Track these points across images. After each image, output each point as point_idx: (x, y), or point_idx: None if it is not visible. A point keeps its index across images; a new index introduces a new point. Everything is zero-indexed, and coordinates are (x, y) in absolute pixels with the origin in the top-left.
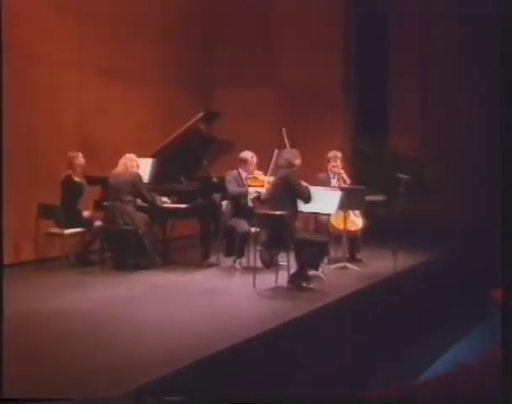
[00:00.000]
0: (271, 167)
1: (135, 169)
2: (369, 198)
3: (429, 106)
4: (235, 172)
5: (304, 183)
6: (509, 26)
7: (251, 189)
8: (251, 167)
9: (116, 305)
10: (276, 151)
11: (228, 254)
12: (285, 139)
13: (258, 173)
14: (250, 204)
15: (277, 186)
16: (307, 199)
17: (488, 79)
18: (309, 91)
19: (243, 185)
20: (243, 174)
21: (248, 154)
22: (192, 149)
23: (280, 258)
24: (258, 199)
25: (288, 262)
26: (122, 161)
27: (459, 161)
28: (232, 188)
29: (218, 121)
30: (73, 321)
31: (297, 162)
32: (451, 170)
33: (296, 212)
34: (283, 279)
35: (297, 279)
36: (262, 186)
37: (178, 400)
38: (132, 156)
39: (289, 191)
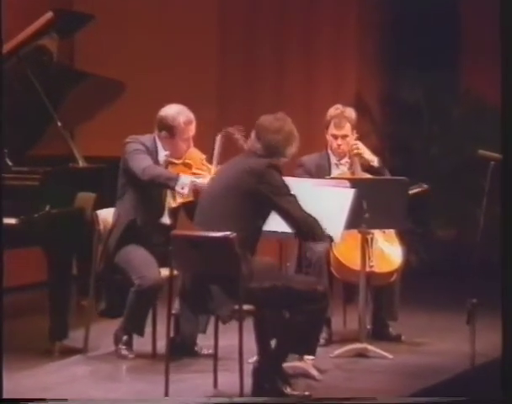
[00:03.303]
0: (216, 153)
1: None
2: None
3: None
4: (147, 138)
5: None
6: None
7: (184, 178)
8: (182, 145)
9: None
10: (219, 136)
11: (108, 311)
12: (216, 147)
13: (196, 158)
14: (167, 219)
15: (226, 186)
16: (310, 231)
17: None
18: None
19: None
20: (162, 153)
21: (178, 116)
22: (29, 94)
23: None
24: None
25: (240, 342)
26: None
27: None
28: (147, 167)
29: (84, 33)
30: None
31: (291, 150)
32: None
33: (255, 235)
34: (230, 378)
35: (271, 381)
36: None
37: None
38: None
39: (252, 202)
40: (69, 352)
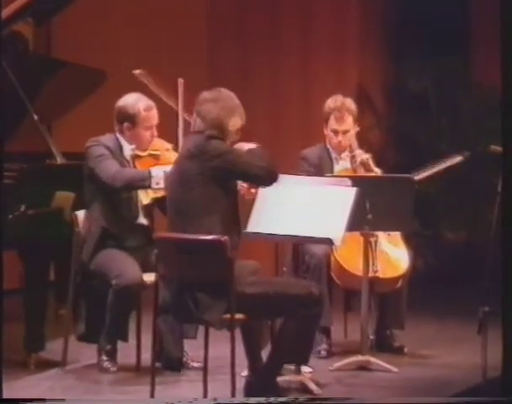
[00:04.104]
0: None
1: None
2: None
3: None
4: (108, 137)
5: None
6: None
7: (156, 172)
8: (145, 134)
9: None
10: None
11: (87, 336)
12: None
13: (161, 148)
14: (143, 219)
15: (182, 173)
16: (263, 174)
17: None
18: None
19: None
20: (127, 147)
21: (138, 103)
22: (2, 85)
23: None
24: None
25: (232, 352)
26: None
27: None
28: (116, 172)
29: (63, 19)
30: None
31: (233, 121)
32: None
33: (233, 218)
34: (221, 392)
35: (262, 392)
36: None
37: None
38: None
39: (208, 182)
40: (46, 365)
